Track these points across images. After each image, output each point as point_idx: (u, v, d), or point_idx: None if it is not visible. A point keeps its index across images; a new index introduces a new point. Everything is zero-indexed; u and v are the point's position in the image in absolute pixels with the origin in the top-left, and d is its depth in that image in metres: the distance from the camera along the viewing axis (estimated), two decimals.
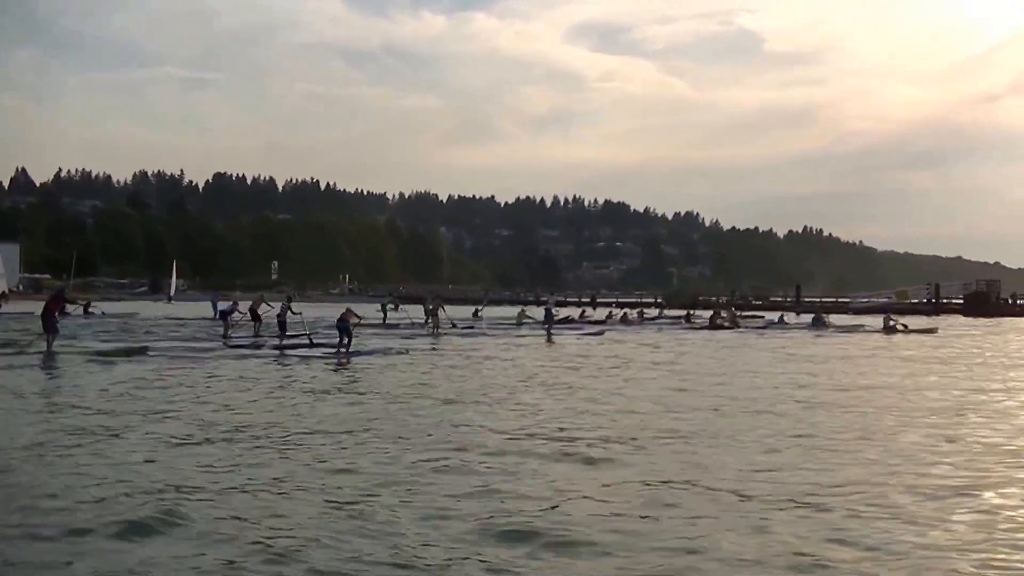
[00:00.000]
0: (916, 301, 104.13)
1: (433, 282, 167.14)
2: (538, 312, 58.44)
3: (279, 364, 28.55)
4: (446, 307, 51.59)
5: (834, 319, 62.66)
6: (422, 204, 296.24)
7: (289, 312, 39.12)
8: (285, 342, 35.53)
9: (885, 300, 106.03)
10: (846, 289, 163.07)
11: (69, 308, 32.52)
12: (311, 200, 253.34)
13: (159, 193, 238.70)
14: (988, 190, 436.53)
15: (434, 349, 36.85)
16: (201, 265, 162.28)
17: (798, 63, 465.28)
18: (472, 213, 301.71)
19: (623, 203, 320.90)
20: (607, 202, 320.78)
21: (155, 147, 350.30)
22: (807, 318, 65.09)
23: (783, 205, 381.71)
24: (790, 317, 71.09)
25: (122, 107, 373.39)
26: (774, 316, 69.99)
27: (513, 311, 65.68)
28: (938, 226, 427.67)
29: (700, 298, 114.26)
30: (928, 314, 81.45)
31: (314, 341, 34.45)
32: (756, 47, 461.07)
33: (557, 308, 61.60)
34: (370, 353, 32.00)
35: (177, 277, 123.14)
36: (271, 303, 43.23)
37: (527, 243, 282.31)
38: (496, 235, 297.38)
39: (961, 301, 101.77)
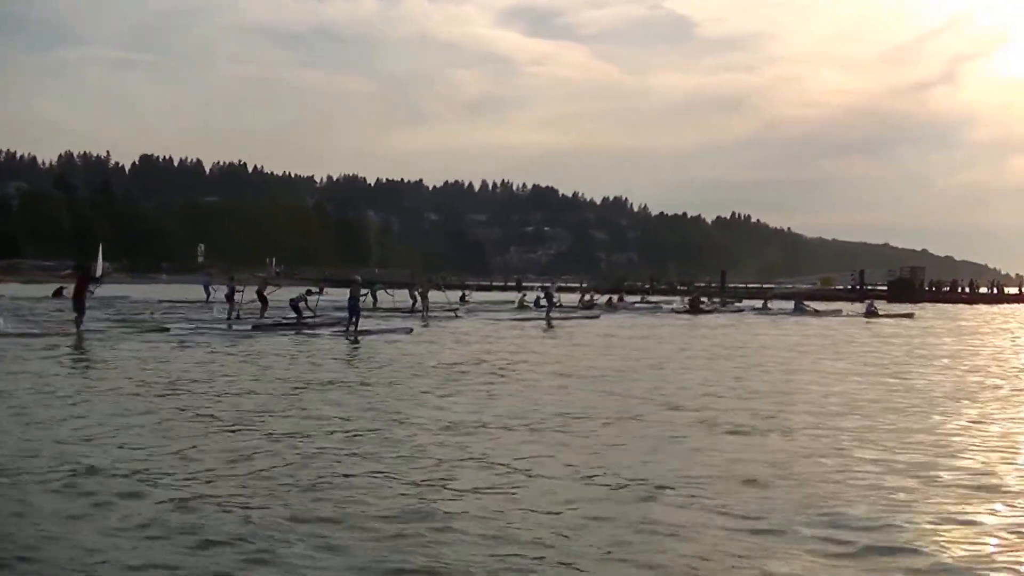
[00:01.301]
0: (841, 288, 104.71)
1: (361, 266, 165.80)
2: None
3: (324, 341, 31.27)
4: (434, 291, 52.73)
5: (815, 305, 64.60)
6: (350, 187, 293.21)
7: (305, 302, 39.67)
8: (302, 321, 37.39)
9: (808, 287, 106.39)
10: (774, 275, 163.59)
11: (92, 288, 32.08)
12: (239, 183, 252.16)
13: (85, 175, 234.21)
14: (917, 178, 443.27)
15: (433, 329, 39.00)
16: (128, 247, 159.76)
17: (730, 49, 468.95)
18: (400, 196, 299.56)
19: (552, 188, 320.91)
20: (536, 187, 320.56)
21: (82, 128, 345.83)
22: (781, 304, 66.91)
23: (712, 191, 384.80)
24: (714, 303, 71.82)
25: (49, 87, 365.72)
26: (756, 303, 70.82)
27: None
28: (867, 213, 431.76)
29: (626, 283, 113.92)
30: (852, 300, 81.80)
31: (317, 316, 37.10)
32: (688, 32, 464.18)
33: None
34: (380, 332, 34.48)
35: (103, 259, 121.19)
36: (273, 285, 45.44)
37: (455, 227, 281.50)
38: (425, 219, 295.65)
39: (885, 288, 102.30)
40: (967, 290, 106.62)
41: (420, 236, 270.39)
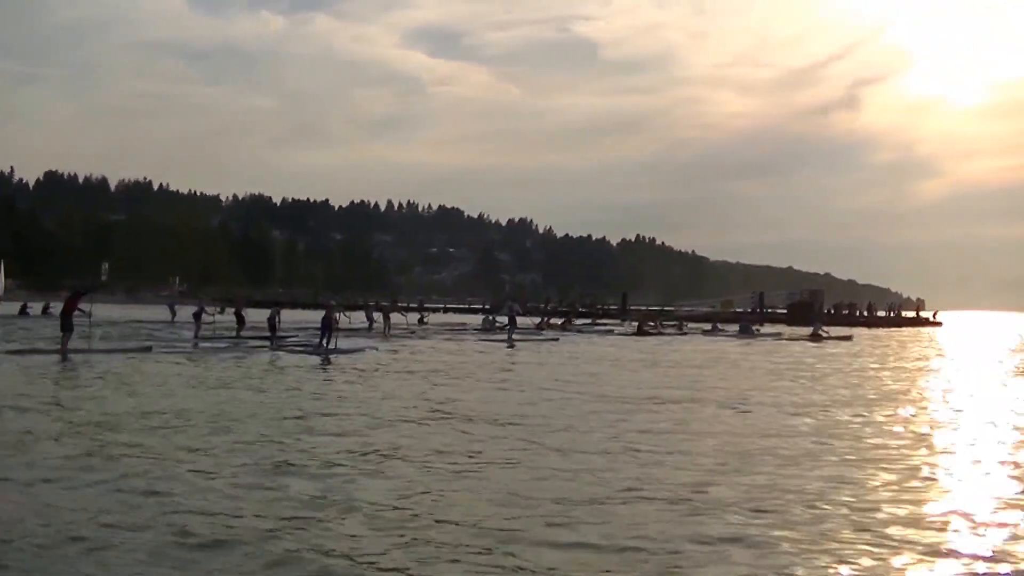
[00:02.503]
0: (741, 310, 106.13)
1: (265, 286, 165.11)
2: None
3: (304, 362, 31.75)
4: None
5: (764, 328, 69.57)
6: (256, 206, 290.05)
7: (278, 318, 41.22)
8: (277, 342, 38.29)
9: (708, 309, 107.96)
10: (678, 297, 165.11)
11: (83, 307, 32.55)
12: (144, 200, 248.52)
13: None
14: (819, 200, 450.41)
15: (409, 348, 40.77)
16: (30, 264, 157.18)
17: (633, 71, 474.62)
18: (306, 216, 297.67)
19: (457, 208, 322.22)
20: (441, 207, 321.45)
21: None
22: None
23: (617, 213, 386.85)
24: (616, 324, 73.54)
25: None
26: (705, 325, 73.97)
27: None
28: (771, 236, 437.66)
29: (528, 304, 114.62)
30: (752, 323, 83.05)
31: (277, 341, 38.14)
32: (592, 54, 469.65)
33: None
34: (350, 352, 35.20)
35: (5, 277, 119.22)
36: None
37: (360, 247, 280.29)
38: (330, 239, 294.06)
39: (785, 311, 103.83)
40: (865, 314, 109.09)
41: (325, 256, 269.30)
